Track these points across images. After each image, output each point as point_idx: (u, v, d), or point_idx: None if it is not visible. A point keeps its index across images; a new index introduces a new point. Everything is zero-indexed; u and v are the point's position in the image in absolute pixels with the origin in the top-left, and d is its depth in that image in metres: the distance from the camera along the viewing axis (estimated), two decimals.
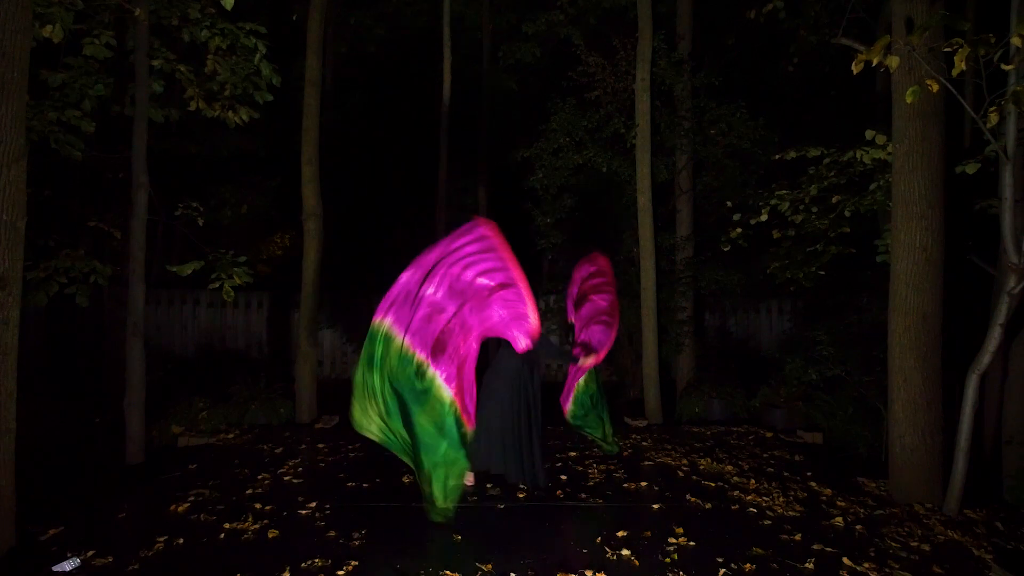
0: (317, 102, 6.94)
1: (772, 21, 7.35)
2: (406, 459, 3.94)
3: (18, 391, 3.57)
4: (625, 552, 3.54)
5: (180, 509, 4.16)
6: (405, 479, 4.83)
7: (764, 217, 6.41)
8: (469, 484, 4.55)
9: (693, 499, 4.42)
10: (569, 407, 5.36)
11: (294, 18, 9.38)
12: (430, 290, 3.92)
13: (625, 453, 5.63)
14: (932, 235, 4.41)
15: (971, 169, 4.87)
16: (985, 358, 4.15)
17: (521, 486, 4.60)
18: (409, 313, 3.88)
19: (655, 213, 7.16)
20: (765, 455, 5.61)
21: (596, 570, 3.33)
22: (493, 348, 5.35)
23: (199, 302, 10.03)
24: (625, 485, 4.74)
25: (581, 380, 5.32)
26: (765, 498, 4.46)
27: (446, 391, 3.89)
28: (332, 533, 3.78)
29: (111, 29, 5.99)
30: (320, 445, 5.81)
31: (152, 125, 6.09)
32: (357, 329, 9.81)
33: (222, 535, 3.76)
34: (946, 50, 3.81)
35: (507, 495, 4.48)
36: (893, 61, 3.99)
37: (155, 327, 9.69)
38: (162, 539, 3.66)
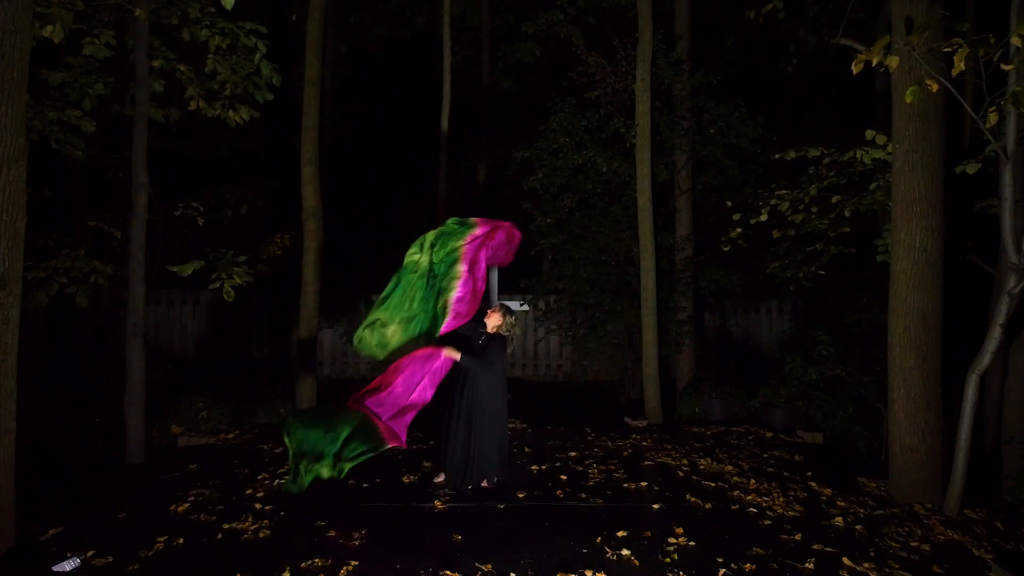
0: (317, 102, 6.93)
1: (771, 21, 7.34)
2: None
3: (18, 391, 3.57)
4: (625, 552, 3.54)
5: (180, 509, 4.16)
6: (405, 479, 4.83)
7: (764, 217, 6.41)
8: (438, 481, 4.71)
9: (693, 499, 4.42)
10: None
11: (294, 18, 9.38)
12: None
13: (625, 453, 5.63)
14: (932, 235, 4.41)
15: (971, 169, 4.87)
16: (985, 358, 4.15)
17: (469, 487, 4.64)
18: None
19: (655, 213, 7.16)
20: (765, 455, 5.61)
21: (596, 570, 3.33)
22: None
23: (199, 302, 10.02)
24: (625, 485, 4.74)
25: None
26: (765, 498, 4.46)
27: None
28: (332, 533, 3.79)
29: (111, 29, 5.99)
30: None
31: (152, 125, 6.09)
32: (356, 329, 9.79)
33: (222, 535, 3.76)
34: (946, 50, 3.81)
35: (507, 495, 4.48)
36: (893, 61, 3.99)
37: (155, 327, 9.68)
38: (162, 539, 3.67)
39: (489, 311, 4.73)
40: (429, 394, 4.37)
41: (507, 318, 4.68)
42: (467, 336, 4.68)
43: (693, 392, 7.39)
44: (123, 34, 6.21)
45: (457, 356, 4.38)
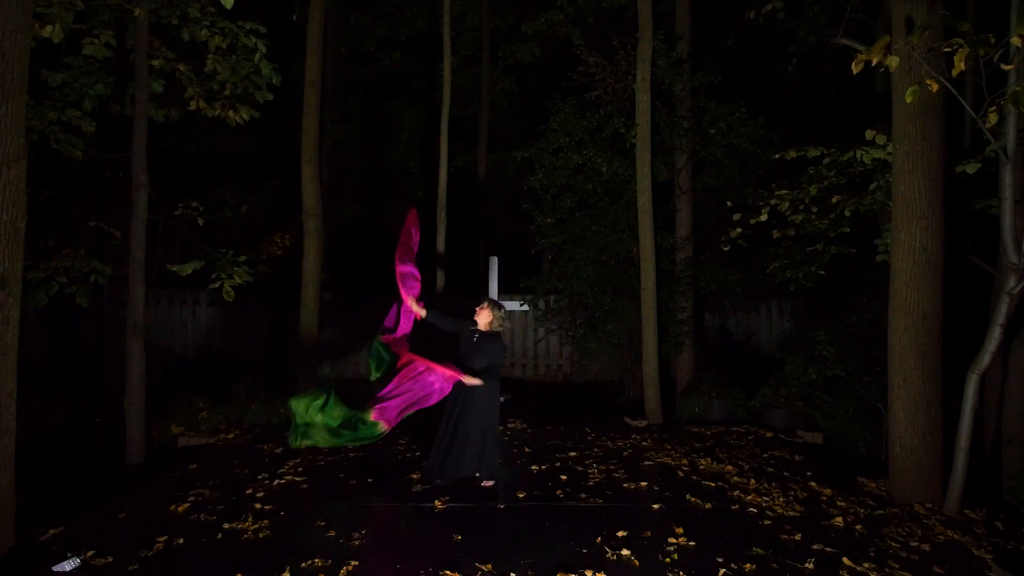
0: (317, 102, 6.93)
1: (771, 21, 7.34)
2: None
3: (18, 391, 3.57)
4: (625, 552, 3.54)
5: (180, 509, 4.16)
6: (405, 479, 4.83)
7: (764, 217, 6.41)
8: (438, 482, 4.71)
9: (693, 499, 4.42)
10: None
11: (294, 18, 9.39)
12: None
13: (625, 453, 5.63)
14: (932, 235, 4.41)
15: (971, 169, 4.88)
16: (985, 358, 4.15)
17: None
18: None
19: (655, 213, 7.15)
20: (765, 455, 5.61)
21: (596, 570, 3.33)
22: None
23: (199, 302, 10.02)
24: (625, 485, 4.74)
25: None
26: (765, 498, 4.46)
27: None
28: (332, 533, 3.79)
29: (111, 29, 5.99)
30: None
31: (152, 125, 6.09)
32: (356, 329, 9.80)
33: (222, 535, 3.76)
34: (946, 50, 3.81)
35: (507, 495, 4.48)
36: (893, 61, 3.98)
37: (155, 327, 9.67)
38: (162, 539, 3.66)
39: (478, 308, 4.70)
40: (433, 401, 4.53)
41: (497, 313, 4.68)
42: (458, 334, 4.70)
43: (693, 392, 7.39)
44: (123, 34, 6.21)
45: (477, 382, 4.42)
